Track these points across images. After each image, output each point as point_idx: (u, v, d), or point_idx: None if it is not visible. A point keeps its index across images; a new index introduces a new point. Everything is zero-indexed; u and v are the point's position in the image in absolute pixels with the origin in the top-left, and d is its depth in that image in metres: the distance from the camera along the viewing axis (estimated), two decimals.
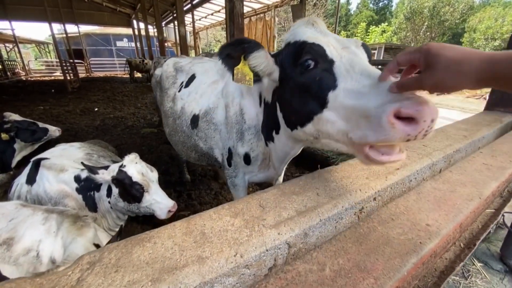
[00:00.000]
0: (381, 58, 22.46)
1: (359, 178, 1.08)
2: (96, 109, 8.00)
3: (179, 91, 2.37)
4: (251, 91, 1.68)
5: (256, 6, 13.84)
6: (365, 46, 1.07)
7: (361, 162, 0.93)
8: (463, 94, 16.80)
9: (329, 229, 0.92)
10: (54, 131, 3.66)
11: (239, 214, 0.90)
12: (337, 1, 8.79)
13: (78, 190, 2.14)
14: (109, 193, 2.10)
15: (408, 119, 0.68)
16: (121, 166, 1.97)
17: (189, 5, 14.40)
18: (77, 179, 2.16)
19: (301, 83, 0.99)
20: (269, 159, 1.75)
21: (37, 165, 2.24)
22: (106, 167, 2.01)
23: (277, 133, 1.42)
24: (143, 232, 0.81)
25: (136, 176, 1.91)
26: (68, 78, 12.59)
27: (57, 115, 7.03)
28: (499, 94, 2.53)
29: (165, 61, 2.95)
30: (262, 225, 0.82)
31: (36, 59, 30.91)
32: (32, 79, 18.43)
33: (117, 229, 2.36)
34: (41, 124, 3.53)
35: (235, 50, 1.09)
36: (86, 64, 23.37)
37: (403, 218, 1.02)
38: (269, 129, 1.50)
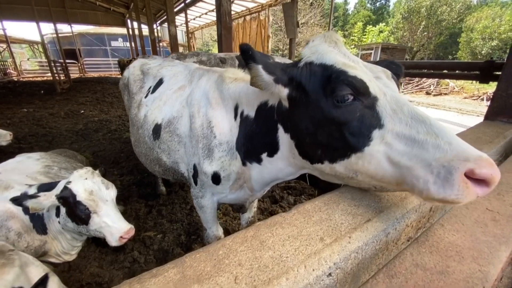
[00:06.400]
0: (378, 58, 22.24)
1: (311, 239, 0.72)
2: (82, 111, 7.71)
3: (145, 96, 2.13)
4: (222, 100, 1.44)
5: (251, 5, 13.56)
6: (394, 78, 0.96)
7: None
8: (460, 95, 16.65)
9: None
10: (4, 135, 3.43)
11: None
12: (331, 2, 8.57)
13: (25, 210, 1.89)
14: (58, 212, 1.86)
15: (478, 180, 0.66)
16: (67, 182, 1.72)
17: (182, 4, 14.11)
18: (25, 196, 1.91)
19: (335, 117, 0.86)
20: (243, 180, 1.50)
21: None
22: (50, 187, 1.76)
23: (270, 156, 1.21)
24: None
25: (81, 195, 1.66)
26: (58, 79, 12.27)
27: (39, 118, 6.73)
28: (502, 101, 2.21)
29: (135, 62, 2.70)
30: None
31: (28, 59, 30.44)
32: (23, 80, 18.06)
33: (73, 252, 2.11)
34: None
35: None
36: (80, 64, 22.99)
37: None
38: (253, 149, 1.29)
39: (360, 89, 0.82)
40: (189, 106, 1.63)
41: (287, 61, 3.63)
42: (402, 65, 1.14)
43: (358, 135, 0.83)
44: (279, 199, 3.14)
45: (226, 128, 1.41)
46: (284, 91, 0.98)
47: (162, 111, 1.83)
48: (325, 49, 0.94)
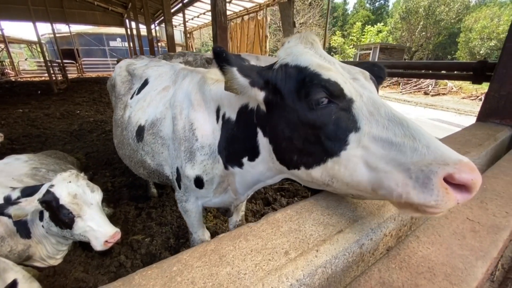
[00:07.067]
0: (376, 58, 22.21)
1: (275, 253, 0.66)
2: (78, 111, 7.67)
3: (131, 98, 2.09)
4: (204, 102, 1.41)
5: (248, 5, 13.52)
6: (373, 80, 0.94)
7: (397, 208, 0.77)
8: (458, 95, 16.62)
9: None
10: None
11: None
12: (328, 1, 8.53)
13: None
14: (42, 216, 1.83)
15: (458, 185, 0.63)
16: (50, 185, 1.69)
17: (180, 4, 14.05)
18: (7, 201, 1.87)
19: (311, 120, 0.84)
20: (227, 183, 1.47)
21: None
22: (33, 190, 1.73)
23: (251, 160, 1.18)
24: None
25: (64, 199, 1.63)
26: (55, 79, 12.22)
27: (34, 118, 6.69)
28: (494, 102, 2.17)
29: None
30: None
31: (26, 59, 30.36)
32: (21, 80, 17.99)
33: (59, 256, 2.07)
34: None
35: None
36: (78, 64, 22.93)
37: None
38: (235, 153, 1.26)
39: (334, 92, 0.80)
40: (172, 107, 1.61)
41: (263, 61, 3.59)
42: (385, 67, 1.12)
43: (334, 139, 0.80)
44: (272, 201, 3.11)
45: (208, 131, 1.38)
46: (260, 95, 0.96)
47: (145, 113, 1.80)
48: (300, 50, 0.91)
